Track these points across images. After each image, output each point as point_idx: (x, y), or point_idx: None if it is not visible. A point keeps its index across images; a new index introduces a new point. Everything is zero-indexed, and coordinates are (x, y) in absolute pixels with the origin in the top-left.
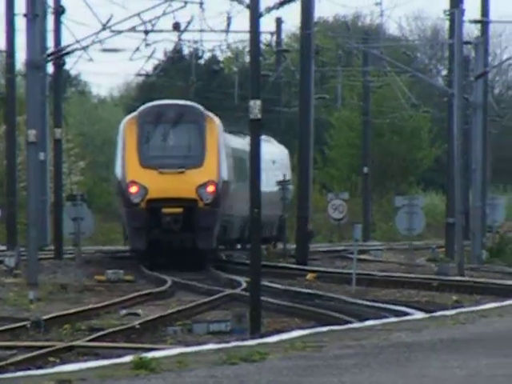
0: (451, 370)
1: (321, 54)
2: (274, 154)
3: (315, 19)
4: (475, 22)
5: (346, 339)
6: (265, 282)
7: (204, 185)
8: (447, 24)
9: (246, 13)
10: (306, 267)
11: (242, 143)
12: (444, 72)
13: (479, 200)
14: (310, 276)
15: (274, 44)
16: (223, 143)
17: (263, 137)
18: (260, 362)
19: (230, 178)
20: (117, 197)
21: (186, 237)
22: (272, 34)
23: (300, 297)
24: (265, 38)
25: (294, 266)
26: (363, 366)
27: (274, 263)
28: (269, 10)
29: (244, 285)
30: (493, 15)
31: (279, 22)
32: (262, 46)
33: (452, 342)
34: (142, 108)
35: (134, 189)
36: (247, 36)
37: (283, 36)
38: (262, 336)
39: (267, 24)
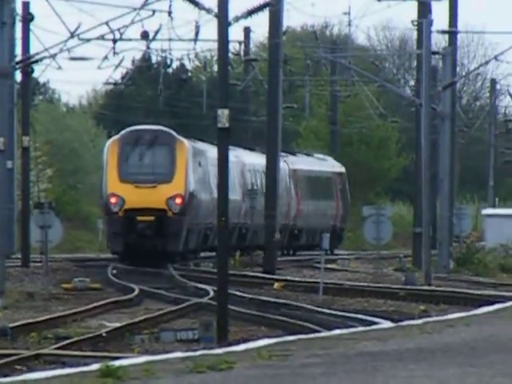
0: (418, 380)
1: (289, 63)
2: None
3: (283, 29)
4: (443, 32)
5: (313, 348)
6: (232, 291)
7: (173, 197)
8: (415, 34)
9: (215, 22)
10: (273, 276)
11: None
12: (412, 82)
13: (446, 210)
14: (277, 285)
15: (242, 53)
16: (192, 162)
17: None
18: (227, 370)
19: (196, 191)
20: (100, 206)
21: (157, 241)
22: (240, 43)
23: (267, 306)
24: (233, 47)
25: (262, 275)
26: (330, 375)
27: (241, 272)
28: (237, 19)
29: (211, 293)
30: (461, 26)
31: (247, 31)
32: (231, 55)
33: (419, 352)
34: (123, 132)
35: (113, 199)
36: (215, 45)
37: (251, 45)
38: (229, 344)
39: (235, 33)
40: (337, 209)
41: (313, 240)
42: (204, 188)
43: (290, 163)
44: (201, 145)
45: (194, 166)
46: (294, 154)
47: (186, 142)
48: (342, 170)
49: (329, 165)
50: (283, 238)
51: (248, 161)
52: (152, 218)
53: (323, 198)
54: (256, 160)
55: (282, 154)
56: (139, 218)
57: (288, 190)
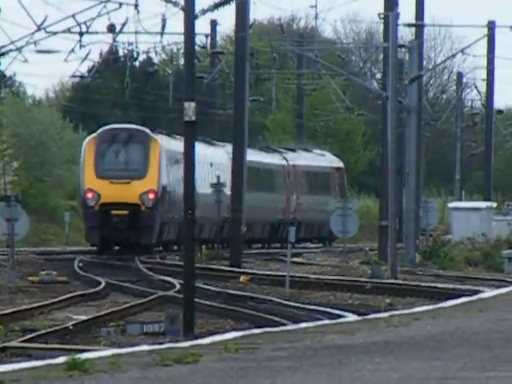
0: (384, 373)
1: (255, 56)
2: (213, 157)
3: (250, 22)
4: (410, 25)
5: (280, 341)
6: (198, 284)
7: (146, 192)
8: (382, 27)
9: (181, 15)
10: (239, 269)
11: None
12: (378, 75)
13: (412, 203)
14: (243, 278)
15: (208, 46)
16: (165, 159)
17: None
18: (193, 363)
19: (170, 186)
20: (78, 201)
21: (131, 234)
22: (207, 36)
23: (233, 299)
24: (199, 40)
25: (228, 268)
26: (296, 369)
27: (207, 265)
28: (204, 12)
29: (178, 286)
30: (427, 19)
31: (214, 24)
32: (197, 48)
33: (385, 345)
34: (100, 130)
35: (90, 195)
36: (182, 38)
37: (218, 38)
38: (195, 337)
39: (202, 26)
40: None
41: (311, 233)
42: (179, 184)
43: (289, 159)
44: (178, 141)
45: (168, 162)
46: (293, 150)
47: (160, 139)
48: (341, 165)
49: (327, 160)
50: (282, 232)
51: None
52: (126, 212)
53: (322, 192)
54: (253, 157)
55: (282, 150)
56: (114, 212)
57: (288, 186)
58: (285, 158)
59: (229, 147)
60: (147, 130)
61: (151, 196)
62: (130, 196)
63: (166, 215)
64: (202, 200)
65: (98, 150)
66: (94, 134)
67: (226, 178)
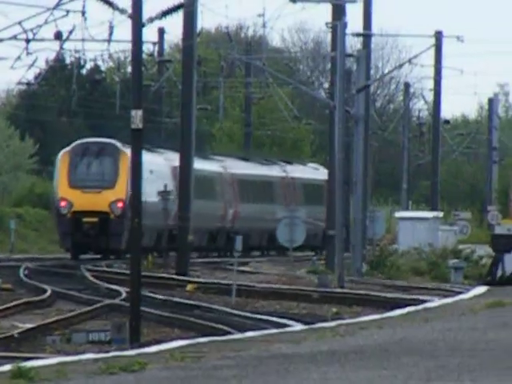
0: (331, 382)
1: (203, 64)
2: (153, 164)
3: (198, 30)
4: (357, 35)
5: (226, 350)
6: (145, 293)
7: (115, 201)
8: (330, 37)
9: (129, 23)
10: (186, 278)
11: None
12: (326, 84)
13: (360, 212)
14: (189, 287)
15: (156, 54)
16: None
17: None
18: (139, 372)
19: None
20: (52, 209)
21: (101, 240)
22: (154, 44)
23: (180, 307)
24: (147, 48)
25: (174, 277)
26: (242, 377)
27: (154, 273)
28: (151, 20)
29: (124, 295)
30: (375, 29)
31: (161, 32)
32: (144, 56)
33: (331, 354)
34: (73, 144)
35: (63, 203)
36: (129, 46)
37: (166, 46)
38: (141, 346)
39: (150, 34)
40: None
41: (249, 242)
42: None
43: (288, 172)
44: (149, 153)
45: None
46: (290, 163)
47: (129, 152)
48: (286, 173)
49: (320, 173)
50: (220, 240)
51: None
52: (96, 219)
53: (317, 203)
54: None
55: (281, 163)
56: (85, 220)
57: (226, 194)
58: (284, 171)
59: (169, 154)
60: (117, 144)
61: (120, 205)
62: (100, 205)
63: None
64: (148, 208)
65: (72, 162)
66: (67, 148)
67: (167, 186)
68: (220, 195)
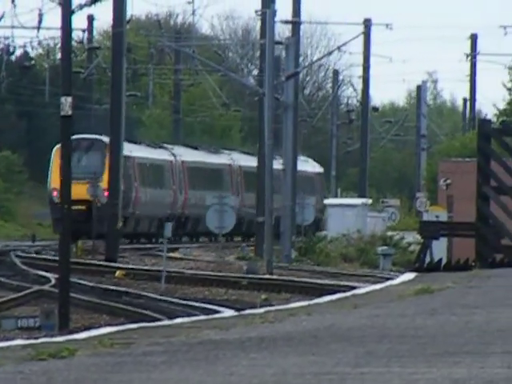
0: (259, 368)
1: (133, 51)
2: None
3: (127, 17)
4: (286, 22)
5: (156, 336)
6: (74, 279)
7: (102, 191)
8: (259, 24)
9: (58, 10)
10: (115, 264)
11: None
12: (255, 72)
13: (289, 199)
14: (118, 273)
15: (85, 41)
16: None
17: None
18: (69, 358)
19: (124, 187)
20: (47, 198)
21: (88, 225)
22: (84, 31)
23: (109, 294)
24: (77, 35)
25: (103, 263)
26: (172, 363)
27: (83, 260)
28: (81, 7)
29: (53, 281)
30: (304, 16)
31: (91, 19)
32: (74, 43)
33: (260, 341)
34: None
35: (55, 193)
36: (59, 33)
37: (95, 33)
38: (70, 332)
39: (79, 21)
40: (317, 203)
41: (196, 229)
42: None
43: (235, 160)
44: (135, 148)
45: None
46: (249, 153)
47: None
48: (321, 170)
49: (310, 166)
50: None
51: (138, 154)
52: (84, 207)
53: (308, 193)
54: (142, 153)
55: (277, 156)
56: (74, 207)
57: (176, 181)
58: (173, 154)
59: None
60: (105, 139)
61: (106, 194)
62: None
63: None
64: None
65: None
66: (60, 144)
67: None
68: (170, 183)
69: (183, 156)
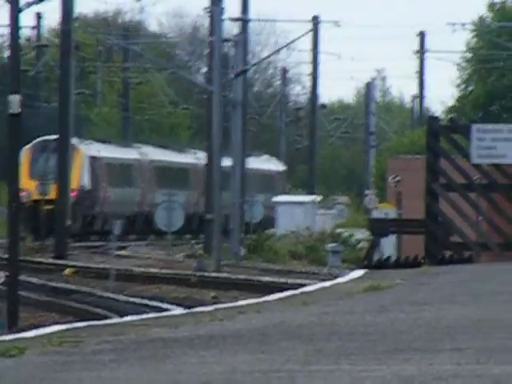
0: (208, 366)
1: (81, 49)
2: None
3: (75, 15)
4: (235, 19)
5: (105, 335)
6: (23, 277)
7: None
8: (207, 21)
9: (6, 7)
10: (64, 262)
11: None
12: (204, 69)
13: (238, 197)
14: (68, 271)
15: (34, 39)
16: (87, 164)
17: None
18: (18, 357)
19: (92, 186)
20: None
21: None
22: (32, 28)
23: (58, 292)
24: (25, 32)
25: (52, 261)
26: (121, 362)
27: (32, 258)
28: (29, 4)
29: (2, 279)
30: (253, 14)
31: (39, 16)
32: (22, 41)
33: (210, 338)
34: (34, 141)
35: (23, 193)
36: (7, 30)
37: (43, 31)
38: (19, 331)
39: (27, 19)
40: None
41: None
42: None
43: (200, 158)
44: (102, 147)
45: (90, 167)
46: (249, 155)
47: (83, 148)
48: (284, 168)
49: (273, 164)
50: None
51: (108, 154)
52: (51, 207)
53: (269, 192)
54: (110, 153)
55: (252, 156)
56: (45, 207)
57: (144, 180)
58: (142, 153)
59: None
60: (73, 140)
61: (73, 194)
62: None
63: (88, 210)
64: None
65: (32, 156)
66: (29, 145)
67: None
68: (138, 182)
69: (151, 155)
